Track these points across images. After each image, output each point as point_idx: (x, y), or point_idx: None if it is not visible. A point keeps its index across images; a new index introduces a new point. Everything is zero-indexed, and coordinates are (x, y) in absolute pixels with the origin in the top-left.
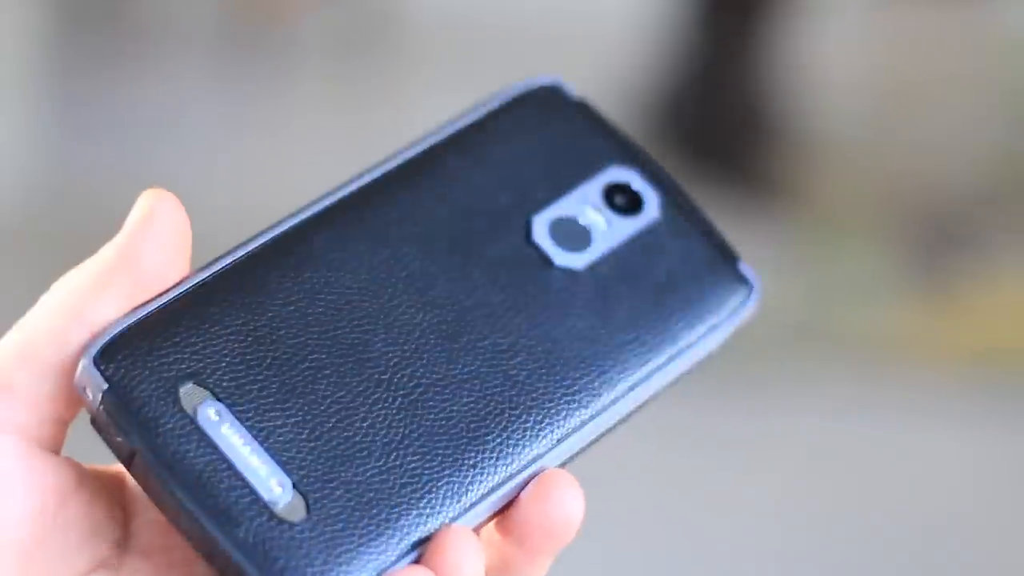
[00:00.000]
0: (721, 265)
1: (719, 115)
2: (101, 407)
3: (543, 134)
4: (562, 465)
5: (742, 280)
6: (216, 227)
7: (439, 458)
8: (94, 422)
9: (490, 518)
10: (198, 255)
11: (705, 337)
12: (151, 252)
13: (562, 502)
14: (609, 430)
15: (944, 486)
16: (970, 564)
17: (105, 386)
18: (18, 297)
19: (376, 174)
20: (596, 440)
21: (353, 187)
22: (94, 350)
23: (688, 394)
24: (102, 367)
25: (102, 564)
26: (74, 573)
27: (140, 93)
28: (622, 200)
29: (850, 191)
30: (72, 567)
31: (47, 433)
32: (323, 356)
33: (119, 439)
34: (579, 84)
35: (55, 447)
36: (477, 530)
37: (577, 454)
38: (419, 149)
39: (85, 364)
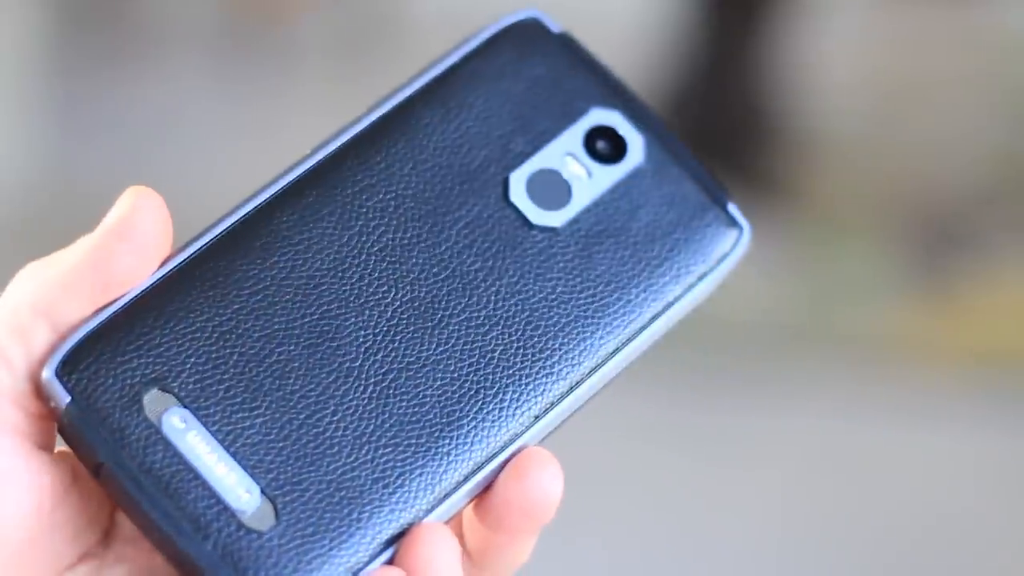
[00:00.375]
0: (708, 208)
1: (720, 114)
2: (65, 419)
3: (521, 78)
4: (544, 439)
5: (731, 223)
6: None
7: (411, 448)
8: (61, 432)
9: (469, 503)
10: None
11: (693, 288)
12: (125, 254)
13: (540, 481)
14: (593, 398)
15: (944, 487)
16: (970, 565)
17: (68, 399)
18: None
19: (342, 139)
20: (580, 409)
21: (319, 156)
22: (55, 361)
23: (688, 393)
24: (64, 379)
25: (87, 554)
26: (62, 567)
27: (140, 93)
28: (604, 146)
29: (851, 191)
30: (60, 561)
31: (39, 430)
32: (292, 347)
33: (84, 451)
34: None
35: (49, 444)
36: (456, 515)
37: (559, 426)
38: (389, 106)
39: (47, 376)
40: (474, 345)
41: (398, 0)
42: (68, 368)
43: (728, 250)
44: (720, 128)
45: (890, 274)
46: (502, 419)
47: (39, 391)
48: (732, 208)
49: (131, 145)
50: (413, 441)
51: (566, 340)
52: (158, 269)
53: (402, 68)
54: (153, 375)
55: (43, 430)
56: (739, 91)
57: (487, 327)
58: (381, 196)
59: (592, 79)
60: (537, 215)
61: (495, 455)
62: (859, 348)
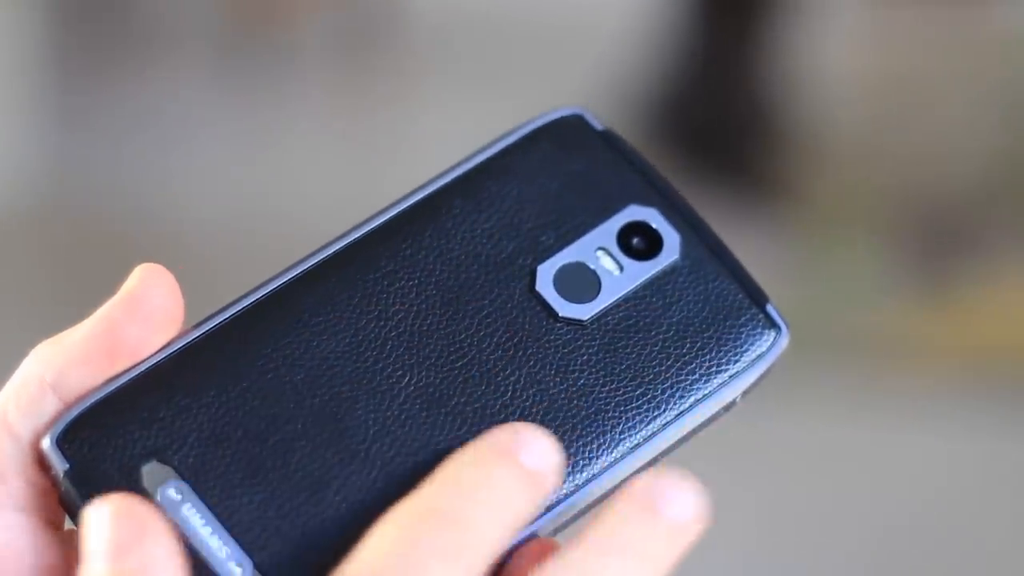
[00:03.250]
0: (744, 308)
1: (719, 115)
2: (63, 487)
3: (559, 173)
4: (555, 532)
5: (769, 324)
6: (216, 229)
7: None
8: (60, 501)
9: None
10: (197, 257)
11: (724, 387)
12: (135, 329)
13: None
14: (610, 492)
15: (943, 487)
16: (970, 565)
17: (66, 466)
18: (16, 298)
19: (370, 225)
20: (596, 503)
21: (345, 241)
22: (57, 429)
23: None
24: (64, 446)
25: None
26: None
27: (140, 94)
28: (639, 242)
29: (850, 191)
30: None
31: (45, 505)
32: (298, 426)
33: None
34: (583, 83)
35: (57, 520)
36: None
37: (572, 519)
38: (421, 195)
39: (47, 444)
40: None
41: (400, 2)
42: (69, 437)
43: (764, 351)
44: (719, 128)
45: (890, 274)
46: None
47: (41, 460)
48: (771, 309)
49: (131, 145)
50: None
51: (584, 433)
52: (169, 344)
53: (403, 68)
54: (154, 447)
55: (50, 506)
56: (738, 91)
57: (503, 416)
58: (404, 282)
59: (632, 176)
60: (563, 307)
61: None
62: (859, 348)
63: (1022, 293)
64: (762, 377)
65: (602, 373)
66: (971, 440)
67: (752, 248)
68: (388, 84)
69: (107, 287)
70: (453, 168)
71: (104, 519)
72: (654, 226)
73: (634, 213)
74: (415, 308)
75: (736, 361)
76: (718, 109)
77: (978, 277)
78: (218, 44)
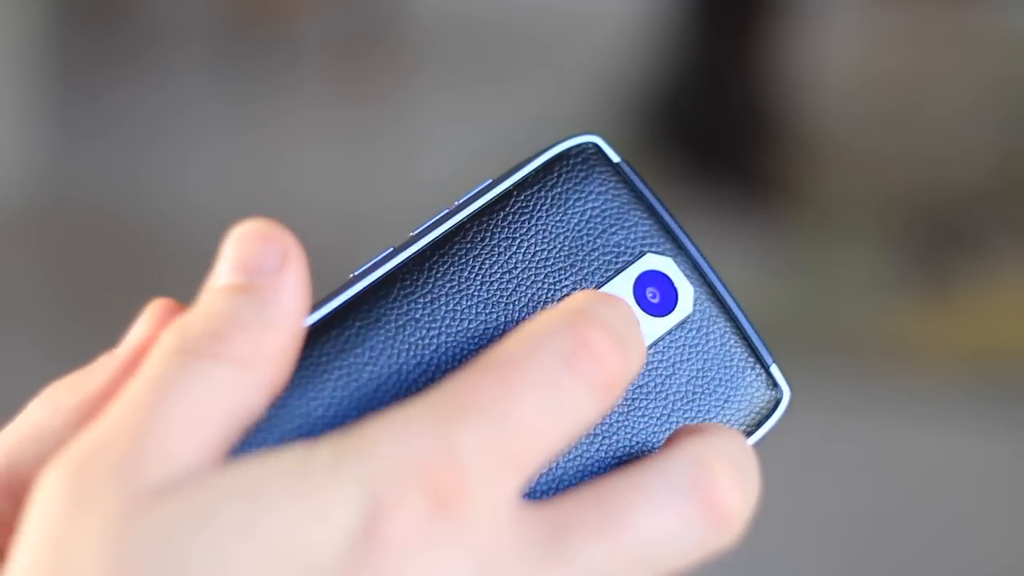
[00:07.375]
0: (750, 369)
1: (719, 115)
2: None
3: (574, 212)
4: None
5: (773, 384)
6: (216, 228)
7: None
8: None
9: None
10: (197, 256)
11: None
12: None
13: None
14: None
15: (942, 485)
16: (968, 564)
17: None
18: (17, 296)
19: (388, 266)
20: None
21: (365, 283)
22: None
23: None
24: None
25: None
26: None
27: (140, 93)
28: (654, 295)
29: (850, 191)
30: None
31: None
32: None
33: None
34: (580, 83)
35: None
36: None
37: None
38: (438, 232)
39: None
40: None
41: (398, 0)
42: None
43: (767, 413)
44: (718, 128)
45: (889, 274)
46: None
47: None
48: (775, 370)
49: (131, 145)
50: None
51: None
52: None
53: (402, 68)
54: None
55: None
56: (738, 91)
57: None
58: (424, 332)
59: (647, 219)
60: None
61: None
62: (858, 348)
63: (1022, 293)
64: (765, 436)
65: (616, 427)
66: (970, 439)
67: (752, 248)
68: (388, 83)
69: (106, 286)
70: (470, 201)
71: (248, 236)
72: (671, 280)
73: (651, 262)
74: (436, 357)
75: (741, 422)
76: (718, 109)
77: (978, 277)
78: (218, 44)
